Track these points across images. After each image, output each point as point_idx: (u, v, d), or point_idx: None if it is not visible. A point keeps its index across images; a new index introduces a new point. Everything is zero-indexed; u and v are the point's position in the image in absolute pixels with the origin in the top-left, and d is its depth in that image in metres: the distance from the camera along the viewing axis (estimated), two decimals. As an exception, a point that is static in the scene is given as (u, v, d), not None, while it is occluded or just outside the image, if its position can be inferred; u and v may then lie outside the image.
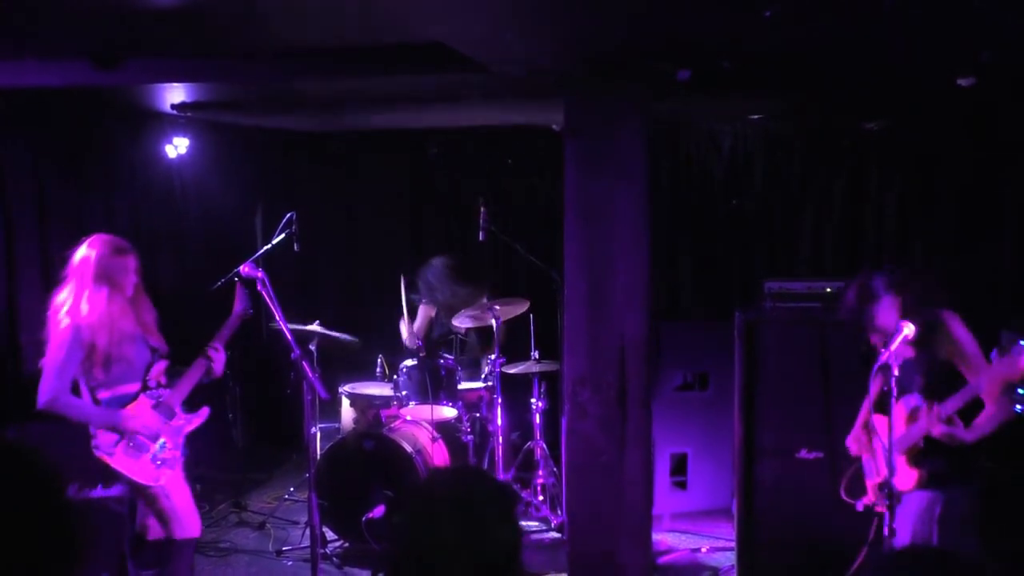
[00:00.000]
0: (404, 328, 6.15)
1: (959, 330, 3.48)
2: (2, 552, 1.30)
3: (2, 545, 1.30)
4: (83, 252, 3.86)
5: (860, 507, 3.81)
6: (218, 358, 4.12)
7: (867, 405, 3.73)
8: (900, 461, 3.53)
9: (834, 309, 4.22)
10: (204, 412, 4.15)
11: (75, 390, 3.86)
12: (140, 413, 3.89)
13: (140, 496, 3.95)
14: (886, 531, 3.36)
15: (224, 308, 4.28)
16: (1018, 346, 3.17)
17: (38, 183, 5.54)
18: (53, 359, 3.74)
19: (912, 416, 3.50)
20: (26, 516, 1.33)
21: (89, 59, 4.30)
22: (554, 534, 5.48)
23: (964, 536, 3.50)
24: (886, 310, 3.55)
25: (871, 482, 3.79)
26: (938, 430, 3.37)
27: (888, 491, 3.35)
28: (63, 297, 3.82)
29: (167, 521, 3.96)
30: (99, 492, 4.02)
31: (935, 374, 3.48)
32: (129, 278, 3.93)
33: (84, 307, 3.77)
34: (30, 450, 1.41)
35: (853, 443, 3.88)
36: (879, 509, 3.70)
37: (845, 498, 3.91)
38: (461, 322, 5.87)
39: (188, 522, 4.03)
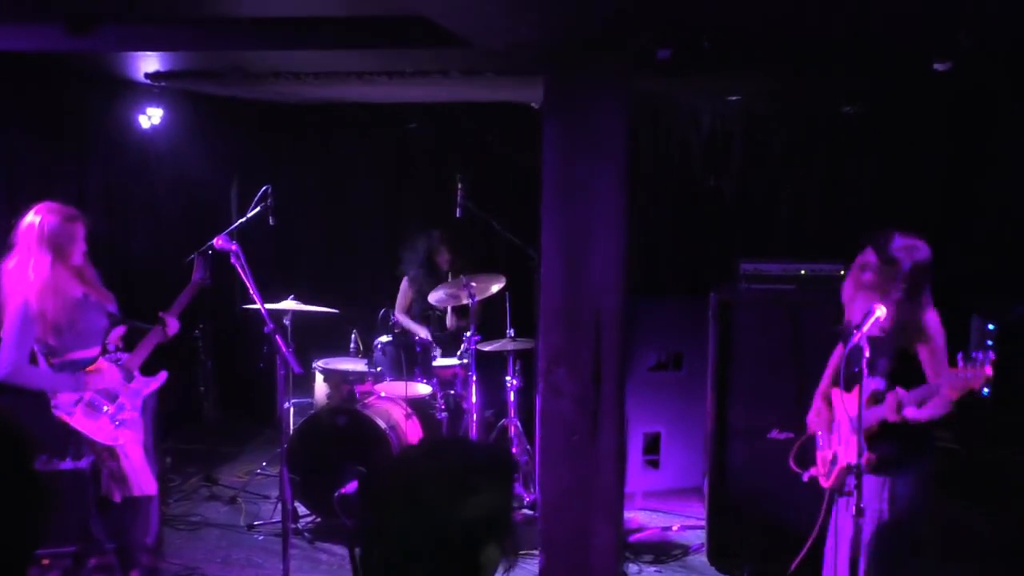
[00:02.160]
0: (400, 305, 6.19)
1: (935, 326, 3.49)
2: None
3: None
4: (30, 219, 3.88)
5: (806, 478, 3.85)
6: (171, 324, 4.14)
7: (826, 378, 3.76)
8: (853, 440, 3.56)
9: (827, 282, 4.35)
10: (162, 376, 4.19)
11: (32, 359, 3.89)
12: (100, 371, 3.96)
13: (99, 457, 4.00)
14: (853, 510, 3.40)
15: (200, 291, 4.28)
16: (983, 356, 3.20)
17: (8, 151, 5.44)
18: (9, 333, 3.78)
19: (873, 399, 3.52)
20: None
21: (62, 24, 4.22)
22: (527, 511, 5.50)
23: (915, 511, 3.54)
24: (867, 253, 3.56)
25: (821, 454, 3.83)
26: (892, 418, 3.41)
27: (857, 471, 3.38)
28: (11, 265, 3.85)
29: (123, 480, 4.03)
30: (68, 464, 4.02)
31: (902, 359, 3.49)
32: (77, 246, 3.95)
33: (31, 275, 3.81)
34: (2, 419, 1.38)
35: (814, 417, 3.91)
36: (824, 484, 3.75)
37: (793, 467, 3.94)
38: (438, 300, 5.85)
39: (144, 480, 4.10)
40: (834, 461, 3.68)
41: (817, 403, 3.88)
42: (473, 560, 1.55)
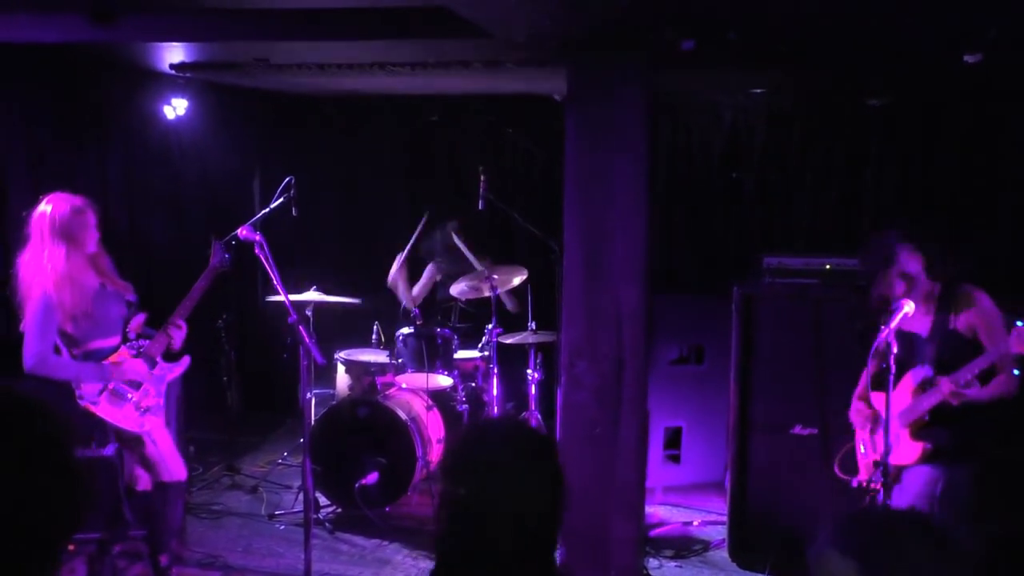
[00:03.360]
0: (399, 286, 6.14)
1: (987, 303, 3.44)
2: (11, 504, 1.29)
3: (11, 497, 1.30)
4: (41, 210, 3.90)
5: (855, 483, 3.81)
6: (178, 335, 4.13)
7: (864, 381, 3.72)
8: (903, 435, 3.51)
9: (851, 277, 4.33)
10: (185, 361, 4.21)
11: (55, 350, 3.90)
12: (123, 362, 3.98)
13: (126, 445, 4.01)
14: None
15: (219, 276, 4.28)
16: None
17: (32, 140, 5.48)
18: (31, 325, 3.80)
19: (922, 387, 3.48)
20: (36, 469, 1.33)
21: (85, 14, 4.24)
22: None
23: (964, 517, 3.50)
24: (906, 261, 3.51)
25: (865, 460, 3.79)
26: (953, 401, 3.34)
27: (884, 469, 3.34)
28: (27, 257, 3.87)
29: (153, 466, 4.07)
30: (93, 451, 4.05)
31: (950, 346, 3.45)
32: (89, 235, 3.95)
33: (46, 265, 3.82)
34: (39, 403, 1.40)
35: (856, 416, 3.87)
36: (874, 486, 3.71)
37: (839, 474, 3.90)
38: (460, 292, 5.85)
39: (173, 466, 4.14)
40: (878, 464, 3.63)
41: (856, 403, 3.84)
42: (550, 548, 1.59)
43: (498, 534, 1.56)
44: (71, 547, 3.90)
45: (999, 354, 3.29)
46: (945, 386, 3.36)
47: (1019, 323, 3.21)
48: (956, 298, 3.43)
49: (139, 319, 4.16)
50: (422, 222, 6.08)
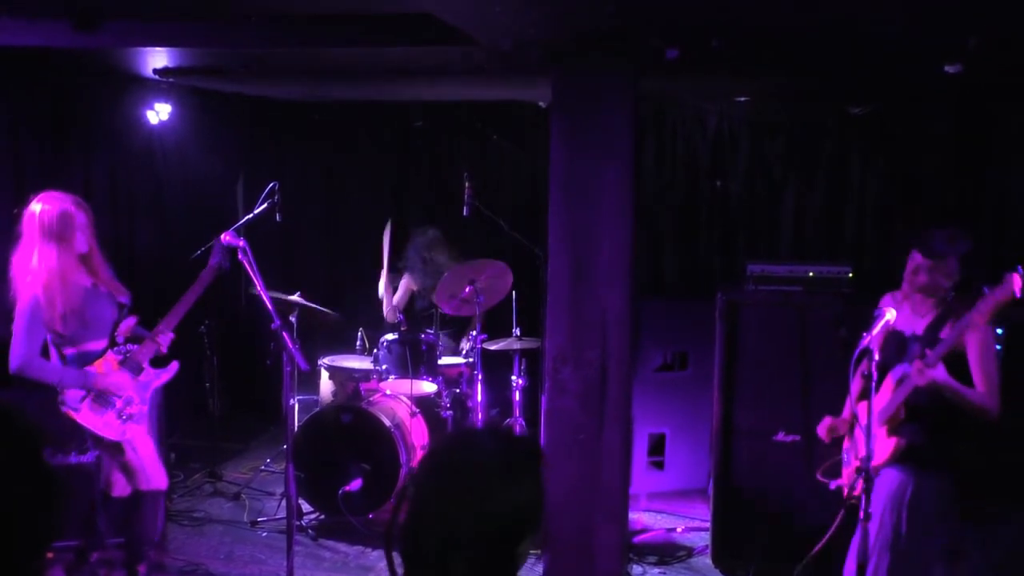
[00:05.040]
0: (385, 299, 6.13)
1: (991, 337, 3.42)
2: None
3: None
4: (31, 209, 3.85)
5: (833, 486, 3.83)
6: (165, 340, 4.06)
7: (853, 395, 3.72)
8: (880, 433, 3.53)
9: (834, 284, 4.50)
10: (173, 367, 4.14)
11: (44, 351, 3.86)
12: (108, 371, 3.91)
13: (106, 451, 3.96)
14: (862, 514, 3.37)
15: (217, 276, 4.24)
16: (1009, 275, 3.20)
17: (16, 145, 5.45)
18: (19, 326, 3.76)
19: (900, 382, 3.49)
20: (12, 477, 1.32)
21: (69, 20, 4.22)
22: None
23: (932, 524, 3.51)
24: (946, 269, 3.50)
25: (849, 468, 3.80)
26: (927, 375, 3.32)
27: (866, 475, 3.35)
28: (18, 256, 3.83)
29: (132, 474, 4.01)
30: (73, 458, 4.02)
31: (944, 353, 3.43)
32: (80, 233, 3.89)
33: (35, 265, 3.78)
34: (10, 408, 1.39)
35: (824, 431, 3.86)
36: (856, 493, 3.71)
37: (820, 477, 3.91)
38: (448, 305, 5.82)
39: (153, 474, 4.08)
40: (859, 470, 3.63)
41: (845, 411, 3.84)
42: (511, 552, 1.56)
43: (457, 535, 1.53)
44: (49, 555, 3.87)
45: (971, 319, 3.28)
46: (912, 379, 3.38)
47: (1021, 269, 3.20)
48: (967, 320, 3.40)
49: (130, 322, 4.09)
50: (387, 233, 6.06)
